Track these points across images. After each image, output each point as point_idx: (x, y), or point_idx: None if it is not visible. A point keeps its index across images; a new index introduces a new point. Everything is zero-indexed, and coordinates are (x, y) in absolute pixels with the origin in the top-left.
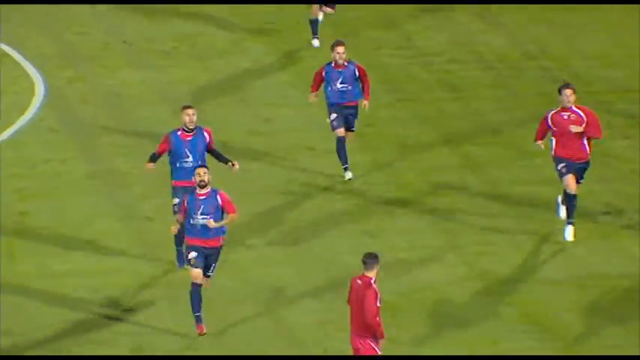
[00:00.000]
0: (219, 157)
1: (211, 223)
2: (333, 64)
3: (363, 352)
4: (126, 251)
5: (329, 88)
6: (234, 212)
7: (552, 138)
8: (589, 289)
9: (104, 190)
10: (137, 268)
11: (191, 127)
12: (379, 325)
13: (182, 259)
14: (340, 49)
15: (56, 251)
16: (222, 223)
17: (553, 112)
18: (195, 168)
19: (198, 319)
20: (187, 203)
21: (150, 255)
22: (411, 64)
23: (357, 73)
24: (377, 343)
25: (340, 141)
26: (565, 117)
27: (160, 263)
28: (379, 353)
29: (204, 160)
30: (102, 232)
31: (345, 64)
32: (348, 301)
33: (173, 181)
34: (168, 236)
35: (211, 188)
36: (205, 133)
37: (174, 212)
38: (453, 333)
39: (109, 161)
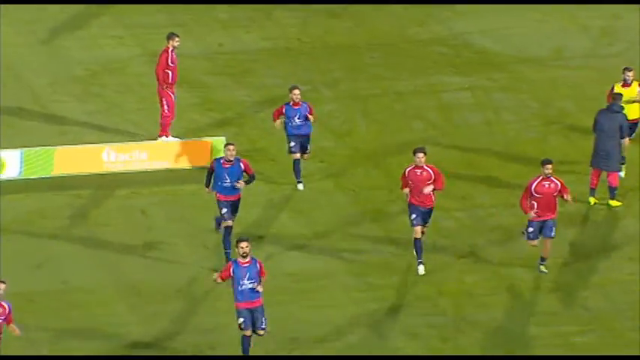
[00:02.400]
0: (249, 180)
1: (259, 288)
2: (291, 104)
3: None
4: None
5: (289, 124)
6: (264, 275)
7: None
8: None
9: None
10: None
11: (231, 159)
12: (165, 75)
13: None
14: (297, 91)
15: None
16: (261, 285)
17: (409, 168)
18: (232, 187)
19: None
20: (233, 271)
21: None
22: None
23: (308, 110)
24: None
25: (296, 162)
26: (418, 173)
27: None
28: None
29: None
30: None
31: (300, 103)
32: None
33: (218, 195)
34: None
35: (250, 257)
36: (241, 163)
37: (221, 214)
38: None
39: None
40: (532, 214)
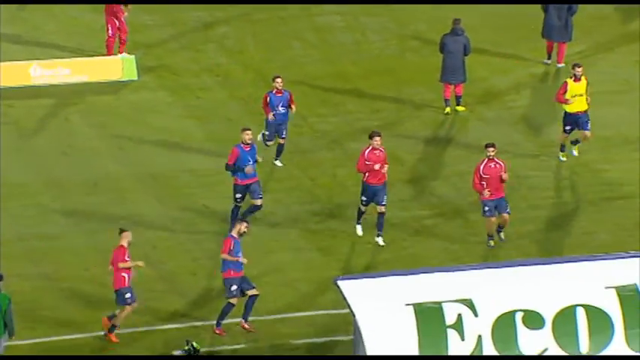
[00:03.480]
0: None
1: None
2: (274, 92)
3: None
4: None
5: (272, 112)
6: None
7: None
8: None
9: None
10: None
11: (249, 142)
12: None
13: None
14: (279, 80)
15: None
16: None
17: (368, 150)
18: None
19: (219, 325)
20: (234, 246)
21: None
22: None
23: (290, 97)
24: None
25: (267, 146)
26: (377, 154)
27: None
28: None
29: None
30: None
31: (283, 91)
32: None
33: (237, 180)
34: None
35: None
36: (255, 145)
37: (236, 200)
38: None
39: None
40: (486, 192)
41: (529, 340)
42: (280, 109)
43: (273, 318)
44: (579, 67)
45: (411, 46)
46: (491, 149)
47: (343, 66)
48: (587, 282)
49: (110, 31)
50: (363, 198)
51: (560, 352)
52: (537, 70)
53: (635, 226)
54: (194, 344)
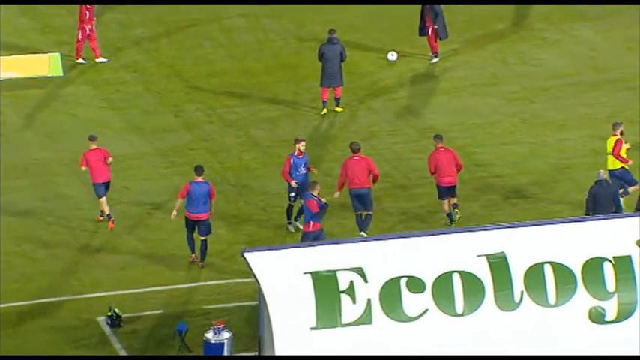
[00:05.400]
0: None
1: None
2: (296, 153)
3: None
4: None
5: (294, 173)
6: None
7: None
8: None
9: None
10: None
11: (303, 150)
12: (84, 14)
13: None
14: (303, 143)
15: None
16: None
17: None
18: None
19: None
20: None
21: None
22: None
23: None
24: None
25: (291, 205)
26: (357, 159)
27: None
28: None
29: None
30: None
31: (304, 153)
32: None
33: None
34: None
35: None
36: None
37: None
38: None
39: None
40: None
41: (412, 303)
42: (302, 169)
43: (187, 286)
44: (620, 126)
45: (307, 45)
46: (439, 140)
47: (248, 63)
48: (462, 251)
49: (80, 37)
50: (355, 201)
51: (439, 313)
52: (417, 66)
53: (503, 201)
54: (116, 310)
